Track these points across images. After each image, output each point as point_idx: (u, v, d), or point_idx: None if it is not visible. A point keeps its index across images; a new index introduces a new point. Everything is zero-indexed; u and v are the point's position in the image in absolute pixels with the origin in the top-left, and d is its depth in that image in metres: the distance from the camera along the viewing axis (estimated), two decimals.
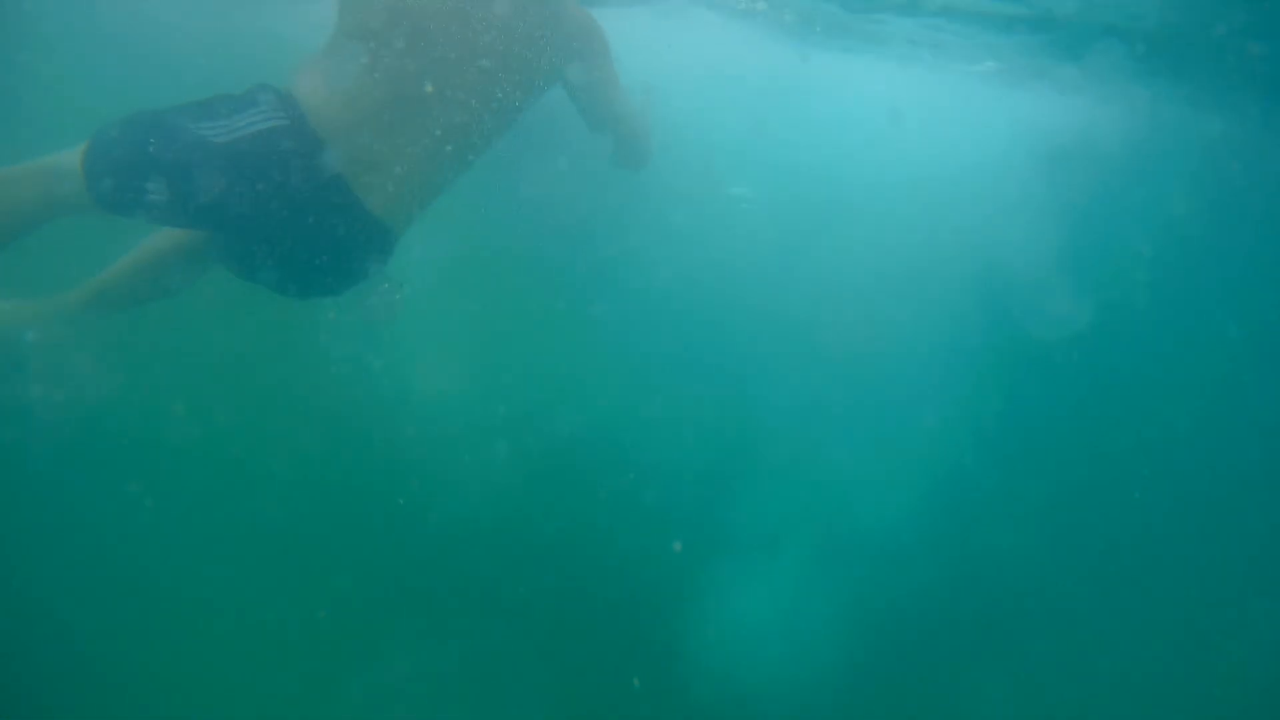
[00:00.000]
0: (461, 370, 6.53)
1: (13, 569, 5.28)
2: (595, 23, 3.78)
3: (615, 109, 3.85)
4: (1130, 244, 9.69)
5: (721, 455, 7.44)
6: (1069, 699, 6.91)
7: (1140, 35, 5.56)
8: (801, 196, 8.17)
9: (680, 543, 5.96)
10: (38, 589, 5.34)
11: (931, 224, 8.91)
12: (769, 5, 6.35)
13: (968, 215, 9.13)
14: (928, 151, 9.46)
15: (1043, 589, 7.64)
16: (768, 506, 7.37)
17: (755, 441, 7.58)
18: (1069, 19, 5.57)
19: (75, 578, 5.47)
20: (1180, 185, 9.75)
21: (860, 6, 5.99)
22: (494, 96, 3.48)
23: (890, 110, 8.72)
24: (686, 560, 6.71)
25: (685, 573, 6.73)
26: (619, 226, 5.77)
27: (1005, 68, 7.73)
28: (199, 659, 5.36)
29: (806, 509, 7.40)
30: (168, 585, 5.60)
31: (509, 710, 5.77)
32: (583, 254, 6.04)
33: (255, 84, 3.29)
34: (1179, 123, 8.64)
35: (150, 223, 3.28)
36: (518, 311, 6.73)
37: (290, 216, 3.18)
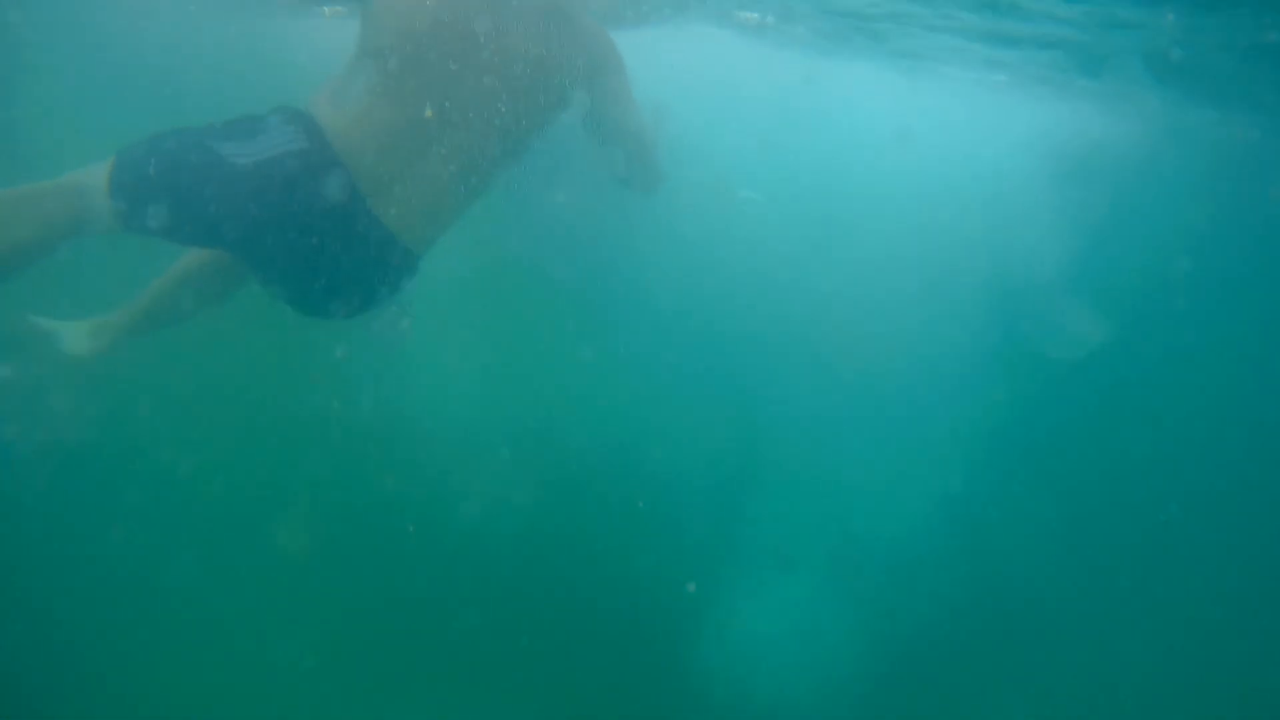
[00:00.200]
0: (471, 379, 6.52)
1: (19, 578, 5.27)
2: (611, 40, 3.79)
3: (628, 126, 3.81)
4: (1144, 253, 9.65)
5: (734, 465, 7.44)
6: (1085, 709, 6.84)
7: (1156, 52, 5.53)
8: (813, 208, 8.14)
9: (694, 584, 5.91)
10: (44, 599, 5.40)
11: (945, 234, 8.88)
12: (777, 19, 6.31)
13: (981, 224, 9.09)
14: (939, 161, 9.43)
15: (1058, 599, 7.63)
16: (781, 516, 7.37)
17: (769, 451, 7.57)
18: (1082, 39, 5.53)
19: (80, 585, 5.48)
20: (1196, 194, 9.70)
21: (873, 20, 5.94)
22: (517, 115, 3.50)
23: (899, 128, 8.68)
24: (700, 571, 6.68)
25: (699, 584, 6.69)
26: (629, 236, 5.76)
27: (1016, 79, 7.69)
28: (206, 667, 5.40)
29: (820, 519, 7.40)
30: (174, 594, 5.64)
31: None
32: (591, 264, 6.02)
33: (277, 106, 3.32)
34: (1194, 130, 8.60)
35: (175, 244, 3.30)
36: (526, 322, 6.72)
37: (313, 238, 3.20)
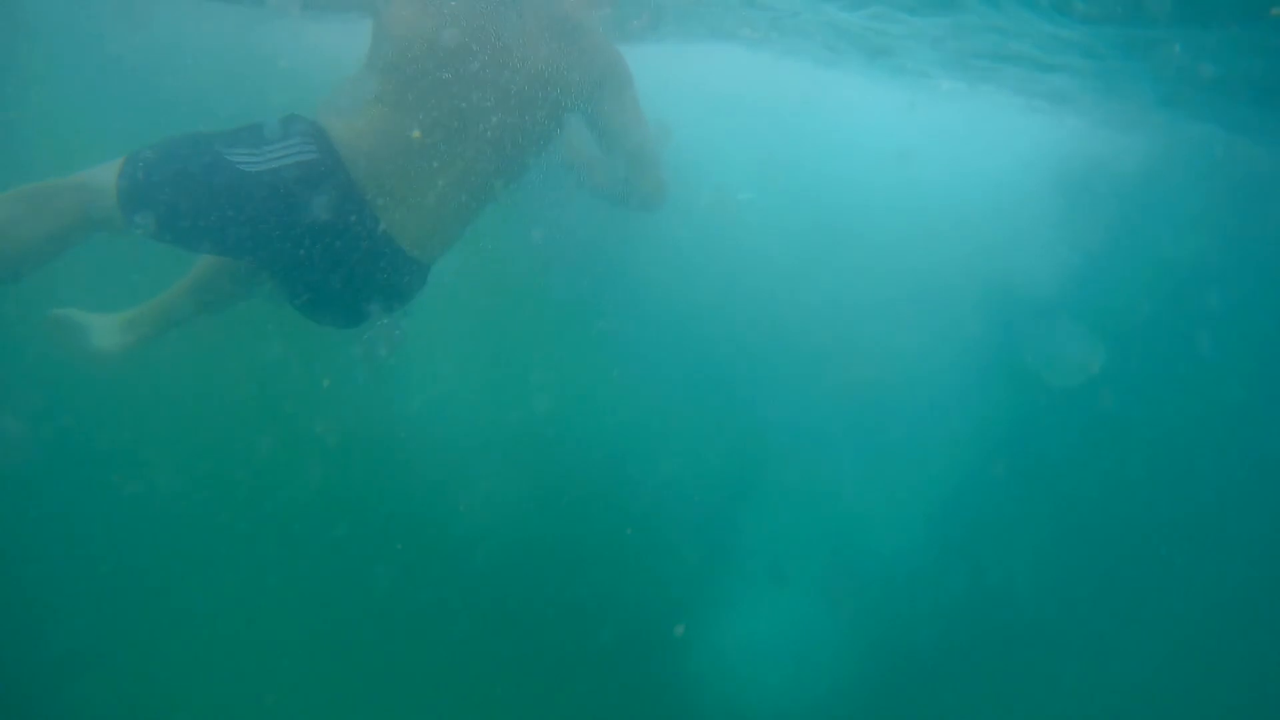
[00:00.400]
0: (468, 384, 6.53)
1: (22, 578, 5.28)
2: (618, 54, 3.80)
3: (634, 142, 3.79)
4: (1146, 269, 9.64)
5: (732, 477, 7.44)
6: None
7: (1164, 77, 5.54)
8: (814, 221, 8.13)
9: (683, 626, 5.91)
10: (44, 599, 5.41)
11: (944, 248, 8.88)
12: (781, 33, 6.30)
13: (981, 239, 9.09)
14: (940, 175, 9.42)
15: (1056, 612, 7.67)
16: (778, 528, 7.37)
17: (767, 462, 7.58)
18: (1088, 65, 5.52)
19: (80, 585, 5.52)
20: (1204, 213, 9.69)
21: (877, 38, 5.93)
22: (524, 127, 3.53)
23: (900, 144, 8.68)
24: (697, 581, 6.70)
25: (696, 592, 6.72)
26: (628, 246, 5.77)
27: (1020, 94, 7.68)
28: (206, 668, 5.47)
29: (817, 531, 7.40)
30: (172, 595, 5.69)
31: None
32: (590, 274, 6.03)
33: (288, 115, 3.34)
34: (1201, 147, 8.59)
35: (181, 248, 3.30)
36: (523, 330, 6.72)
37: (319, 249, 3.21)
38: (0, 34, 5.18)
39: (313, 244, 3.21)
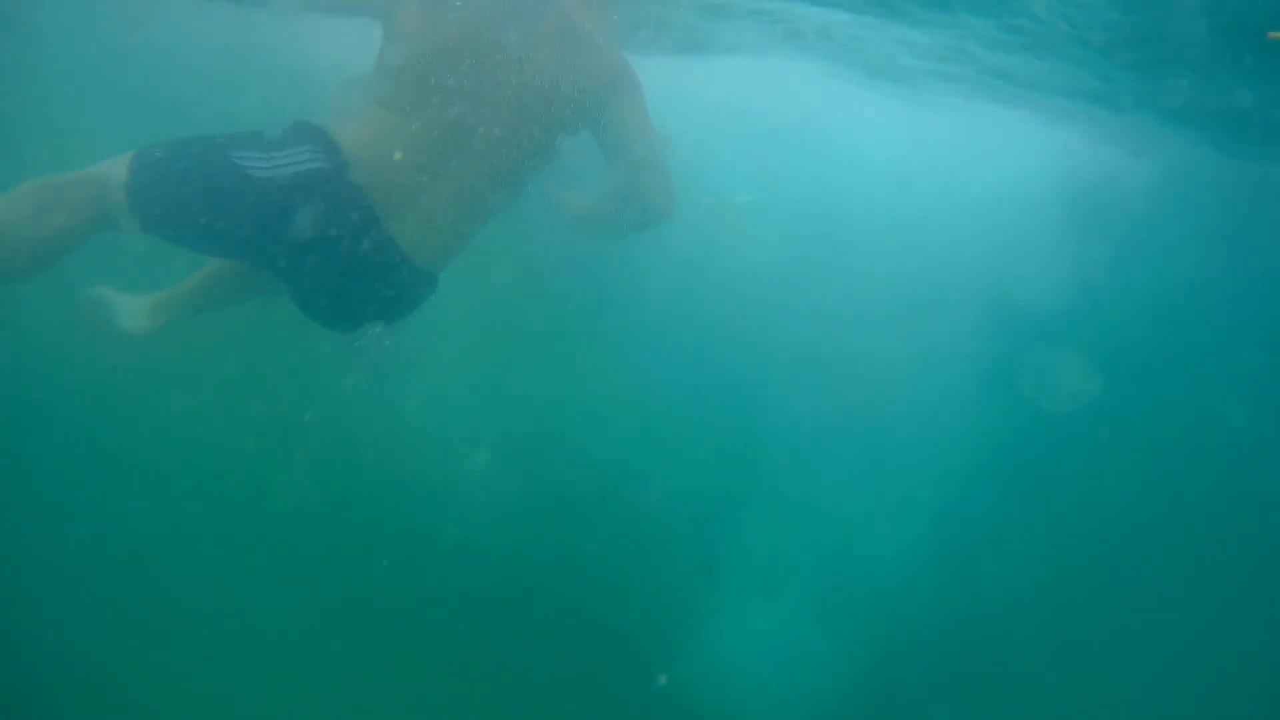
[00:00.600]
0: (469, 384, 6.53)
1: (22, 578, 5.29)
2: (626, 62, 3.78)
3: (642, 149, 3.77)
4: (1147, 284, 9.65)
5: (731, 482, 7.45)
6: None
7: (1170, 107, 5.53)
8: (816, 232, 8.13)
9: (665, 676, 5.92)
10: (44, 598, 5.37)
11: (945, 260, 8.88)
12: (790, 46, 6.27)
13: (982, 251, 9.09)
14: (945, 188, 9.42)
15: (1050, 625, 7.66)
16: (776, 534, 7.36)
17: (765, 469, 7.59)
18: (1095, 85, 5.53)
19: (80, 585, 5.48)
20: (1208, 229, 9.68)
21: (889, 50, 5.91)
22: (532, 136, 3.50)
23: (903, 161, 8.67)
24: (694, 585, 6.72)
25: (693, 598, 6.75)
26: (628, 253, 5.75)
27: (1026, 109, 7.66)
28: (204, 669, 5.40)
29: (815, 537, 7.41)
30: (171, 596, 5.65)
31: None
32: (589, 282, 6.02)
33: (298, 121, 3.32)
34: (1208, 166, 8.57)
35: (186, 249, 3.29)
36: (524, 330, 6.71)
37: (325, 256, 3.21)
38: (1, 34, 5.14)
39: (318, 252, 3.20)
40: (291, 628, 5.80)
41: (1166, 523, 8.65)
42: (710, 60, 6.63)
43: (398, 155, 3.30)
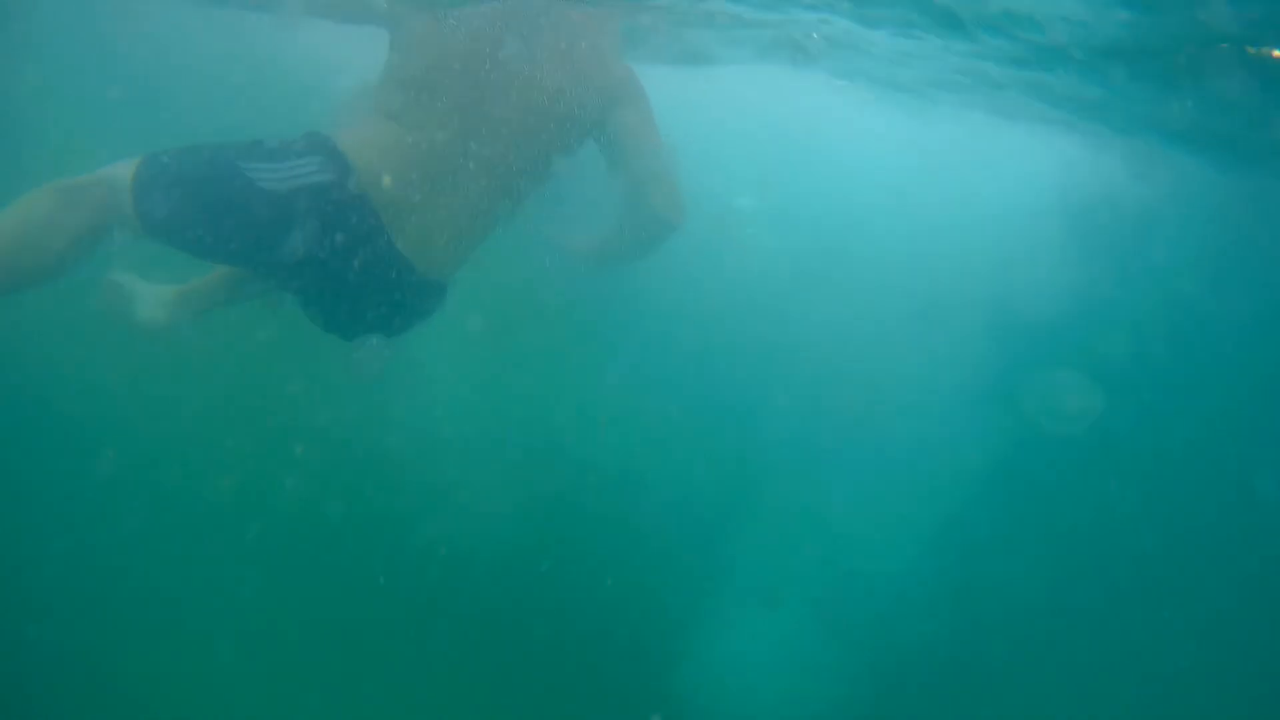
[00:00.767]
0: (467, 390, 6.53)
1: (22, 578, 5.29)
2: (632, 73, 3.78)
3: (649, 158, 3.75)
4: (1147, 296, 9.64)
5: (731, 491, 7.43)
6: None
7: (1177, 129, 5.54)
8: (816, 242, 8.12)
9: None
10: (44, 599, 5.40)
11: (945, 271, 8.87)
12: (797, 52, 6.24)
13: (983, 263, 9.08)
14: (946, 198, 9.41)
15: (1053, 634, 7.67)
16: (777, 542, 7.35)
17: (765, 477, 7.59)
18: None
19: (80, 586, 5.49)
20: (1207, 245, 9.67)
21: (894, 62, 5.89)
22: (537, 147, 3.51)
23: (902, 179, 8.67)
24: (695, 593, 6.72)
25: (693, 611, 6.74)
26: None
27: (1031, 120, 7.64)
28: (203, 671, 5.43)
29: (815, 545, 7.40)
30: (172, 597, 5.67)
31: None
32: (591, 281, 6.00)
33: (308, 132, 3.31)
34: (1212, 181, 8.56)
35: (192, 256, 3.29)
36: (523, 336, 6.69)
37: (332, 268, 3.20)
38: (2, 36, 5.13)
39: (324, 263, 3.20)
40: (291, 630, 5.81)
41: (1168, 537, 8.63)
42: (713, 69, 6.62)
43: (403, 167, 3.29)
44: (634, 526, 6.87)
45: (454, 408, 6.48)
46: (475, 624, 6.18)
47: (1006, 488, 8.37)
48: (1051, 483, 8.70)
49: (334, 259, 3.19)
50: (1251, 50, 3.93)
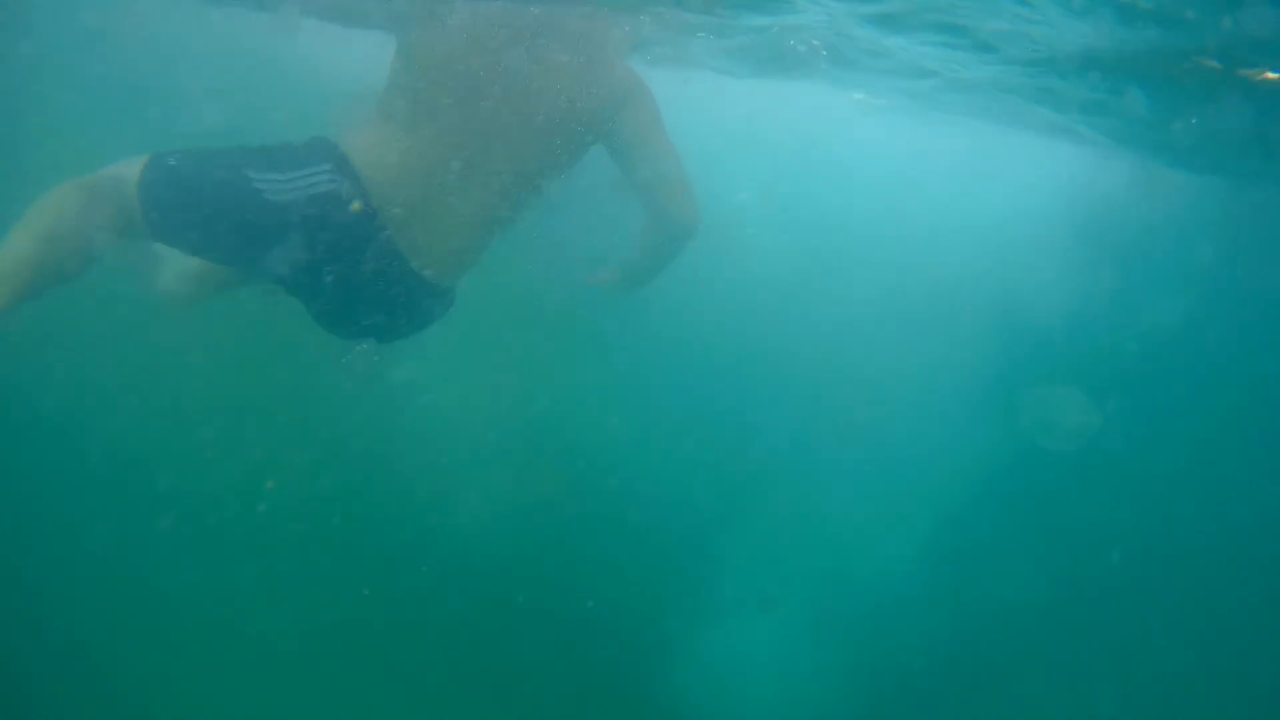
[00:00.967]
0: (467, 390, 6.53)
1: (23, 578, 5.32)
2: (640, 80, 3.74)
3: (660, 163, 3.72)
4: (1153, 304, 9.61)
5: (730, 490, 7.45)
6: None
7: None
8: (816, 245, 8.12)
9: None
10: (45, 597, 5.43)
11: (944, 276, 8.86)
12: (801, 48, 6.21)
13: (981, 267, 9.07)
14: (947, 201, 9.40)
15: (1048, 637, 7.67)
16: (771, 549, 7.36)
17: (761, 484, 7.58)
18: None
19: (79, 586, 5.52)
20: (1212, 252, 9.62)
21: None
22: (544, 152, 3.49)
23: (907, 171, 8.65)
24: (691, 599, 6.74)
25: (690, 604, 6.78)
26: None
27: (1034, 126, 7.61)
28: (203, 667, 5.45)
29: (813, 546, 7.40)
30: (172, 597, 5.69)
31: None
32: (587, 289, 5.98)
33: (313, 138, 3.31)
34: (1215, 188, 8.53)
35: (195, 256, 3.30)
36: (524, 336, 6.71)
37: (336, 275, 3.21)
38: (2, 41, 5.15)
39: (330, 270, 3.20)
40: (290, 630, 5.82)
41: (1166, 544, 8.63)
42: (711, 77, 6.61)
43: (408, 173, 3.29)
44: (630, 529, 6.89)
45: (453, 409, 6.50)
46: (474, 625, 6.18)
47: (1003, 490, 8.38)
48: (1048, 486, 8.70)
49: (339, 266, 3.19)
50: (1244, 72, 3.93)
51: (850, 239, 8.40)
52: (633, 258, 3.98)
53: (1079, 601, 8.14)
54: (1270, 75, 3.95)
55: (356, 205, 3.15)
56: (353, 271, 3.24)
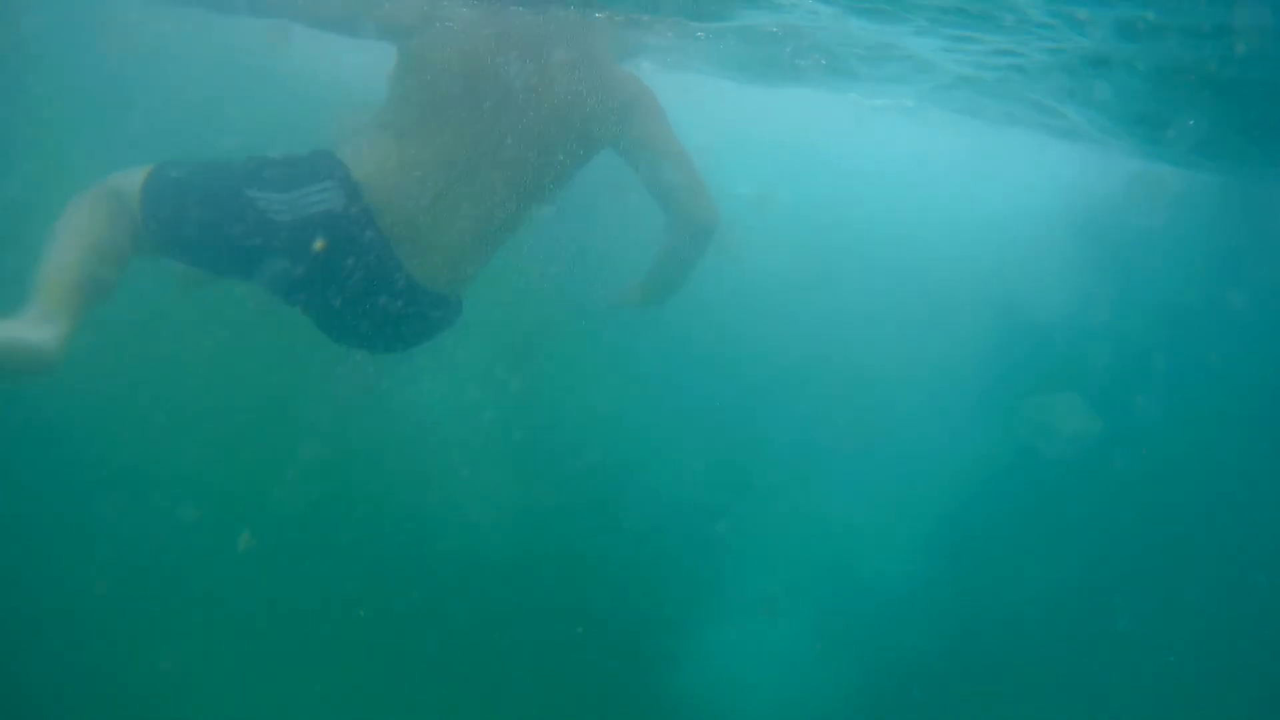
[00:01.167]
0: (467, 389, 6.53)
1: (22, 578, 5.31)
2: (642, 84, 3.74)
3: (673, 163, 3.70)
4: (1155, 305, 9.61)
5: (733, 490, 7.44)
6: None
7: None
8: (820, 242, 8.11)
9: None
10: (44, 595, 5.42)
11: (947, 272, 8.85)
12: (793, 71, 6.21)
13: (984, 264, 9.06)
14: (949, 200, 9.40)
15: (1053, 637, 7.69)
16: (774, 549, 7.36)
17: (764, 484, 7.60)
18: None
19: (79, 586, 5.48)
20: (1216, 251, 9.61)
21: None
22: (547, 161, 3.49)
23: (909, 170, 8.62)
24: (693, 600, 6.73)
25: (693, 603, 6.78)
26: (630, 255, 5.71)
27: (1038, 130, 7.59)
28: (203, 666, 5.48)
29: (816, 545, 7.41)
30: (172, 597, 5.71)
31: None
32: (591, 281, 5.98)
33: (316, 150, 3.29)
34: (1220, 185, 8.51)
35: (196, 269, 3.30)
36: (524, 336, 6.70)
37: (340, 288, 3.21)
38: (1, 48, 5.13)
39: (333, 284, 3.20)
40: (292, 631, 5.84)
41: (1170, 540, 8.64)
42: (714, 80, 6.61)
43: (410, 186, 3.28)
44: (631, 530, 6.90)
45: (454, 410, 6.50)
46: (475, 626, 6.20)
47: (1009, 491, 8.38)
48: (1049, 486, 8.70)
49: (341, 281, 3.19)
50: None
51: (850, 238, 8.39)
52: (657, 268, 3.95)
53: (1084, 600, 8.15)
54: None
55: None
56: (354, 286, 3.23)
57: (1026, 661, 7.43)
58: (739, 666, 6.51)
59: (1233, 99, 4.44)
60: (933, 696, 6.82)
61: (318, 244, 3.11)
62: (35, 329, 2.74)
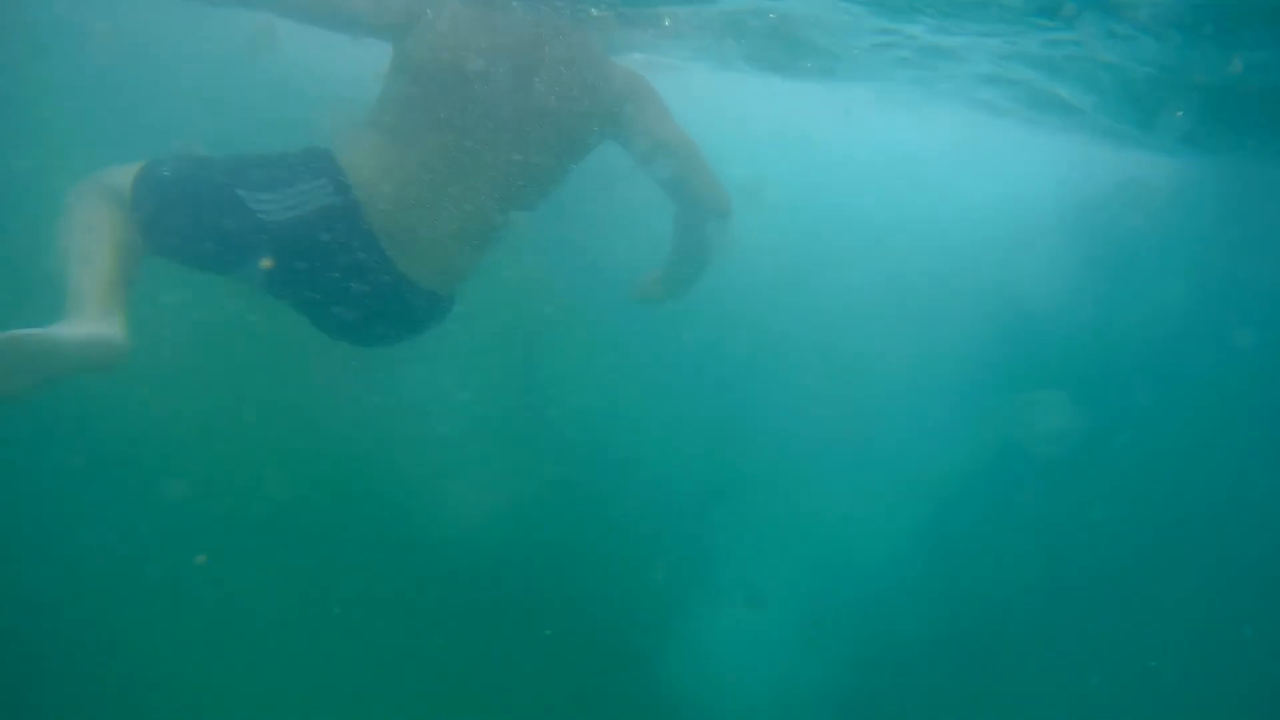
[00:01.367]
0: (464, 382, 6.54)
1: (23, 578, 5.34)
2: (639, 78, 3.74)
3: (677, 149, 3.66)
4: (1149, 289, 9.59)
5: (726, 482, 7.46)
6: None
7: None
8: (814, 234, 8.09)
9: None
10: (42, 594, 5.44)
11: (941, 265, 8.85)
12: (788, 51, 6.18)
13: (982, 257, 9.05)
14: (948, 193, 9.37)
15: (1041, 632, 7.70)
16: (763, 541, 7.37)
17: (754, 475, 7.60)
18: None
19: (78, 585, 5.54)
20: (1227, 240, 9.57)
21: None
22: (541, 158, 3.50)
23: (905, 161, 8.60)
24: (682, 591, 6.76)
25: (683, 596, 6.80)
26: (630, 250, 5.71)
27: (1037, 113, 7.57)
28: (202, 664, 5.51)
29: (807, 538, 7.42)
30: (169, 596, 5.71)
31: None
32: (585, 271, 6.00)
33: (309, 148, 3.30)
34: (1227, 173, 8.48)
35: (188, 268, 3.31)
36: (523, 329, 6.71)
37: (331, 288, 3.23)
38: (3, 48, 5.12)
39: (324, 284, 3.22)
40: (286, 627, 5.86)
41: (1162, 538, 8.64)
42: (710, 71, 6.59)
43: (403, 184, 3.30)
44: (620, 522, 6.92)
45: (449, 403, 6.50)
46: (471, 621, 6.23)
47: (999, 485, 8.39)
48: (1041, 480, 8.71)
49: (334, 278, 3.21)
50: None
51: (848, 233, 8.38)
52: (674, 261, 3.93)
53: (1075, 595, 8.16)
54: None
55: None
56: (345, 282, 3.24)
57: (1014, 654, 7.46)
58: (729, 658, 6.53)
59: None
60: (921, 688, 6.86)
61: (308, 241, 3.13)
62: (103, 325, 2.81)
